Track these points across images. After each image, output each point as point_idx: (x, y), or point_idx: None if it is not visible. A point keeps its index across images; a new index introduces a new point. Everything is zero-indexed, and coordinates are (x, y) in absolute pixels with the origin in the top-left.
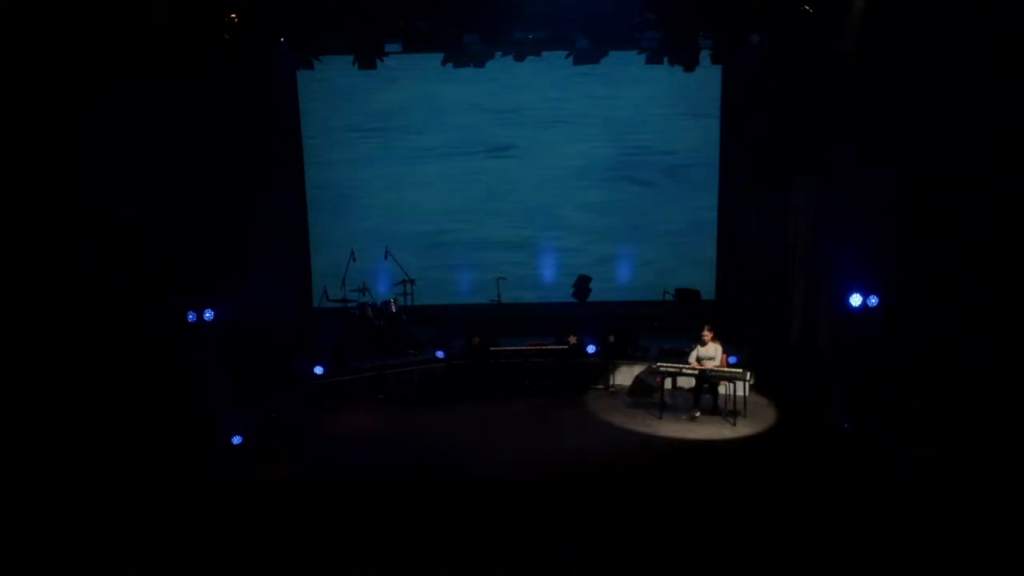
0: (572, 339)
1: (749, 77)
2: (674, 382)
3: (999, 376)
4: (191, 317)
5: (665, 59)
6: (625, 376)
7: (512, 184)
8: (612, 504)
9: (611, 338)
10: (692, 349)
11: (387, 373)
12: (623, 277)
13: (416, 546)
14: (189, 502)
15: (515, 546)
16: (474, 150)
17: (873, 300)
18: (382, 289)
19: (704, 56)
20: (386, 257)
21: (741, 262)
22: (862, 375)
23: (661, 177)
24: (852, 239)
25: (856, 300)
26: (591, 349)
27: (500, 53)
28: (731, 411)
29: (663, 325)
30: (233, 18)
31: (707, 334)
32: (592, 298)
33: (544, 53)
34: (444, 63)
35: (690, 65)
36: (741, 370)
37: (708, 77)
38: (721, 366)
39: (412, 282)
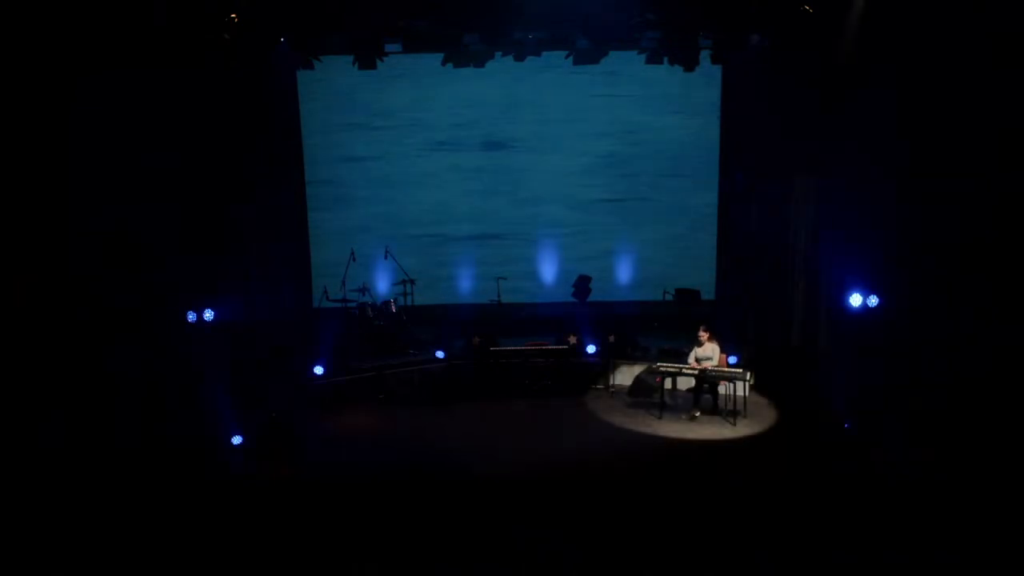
0: (572, 339)
1: (749, 77)
2: (674, 382)
3: (998, 376)
4: (191, 317)
5: (665, 59)
6: (625, 376)
7: (512, 184)
8: (612, 504)
9: (611, 338)
10: (691, 350)
11: (387, 373)
12: (623, 277)
13: (416, 546)
14: (189, 502)
15: (515, 546)
16: (474, 150)
17: (873, 300)
18: (382, 289)
19: (704, 56)
20: (386, 257)
21: (741, 262)
22: (862, 375)
23: (661, 177)
24: (852, 239)
25: (856, 300)
26: (591, 349)
27: (500, 53)
28: (731, 411)
29: (663, 325)
30: (233, 18)
31: (703, 335)
32: (592, 298)
33: (544, 53)
34: (444, 63)
35: (690, 65)
36: (741, 370)
37: (708, 77)
38: (720, 366)
39: (412, 282)
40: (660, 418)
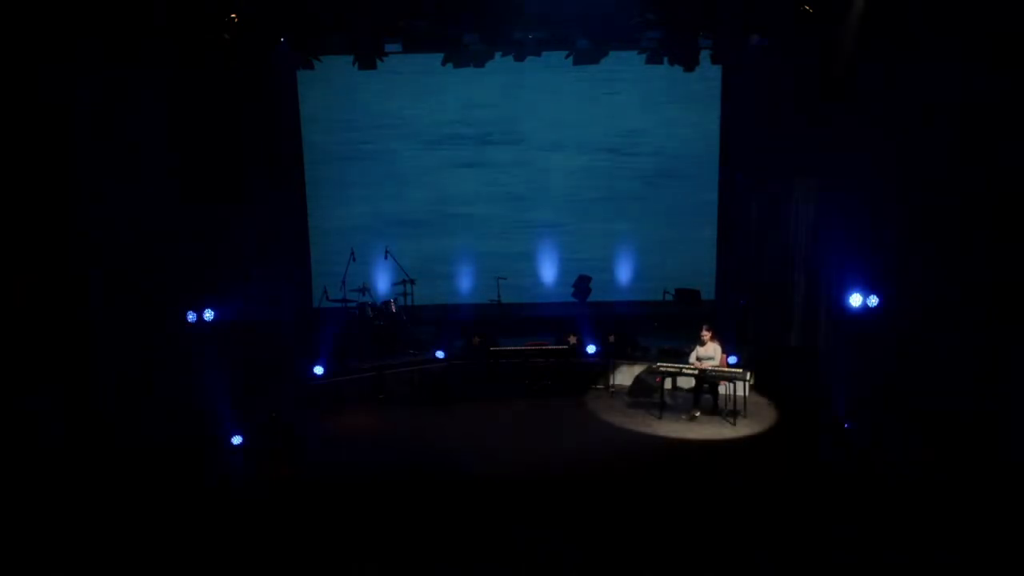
0: (572, 339)
1: (749, 77)
2: (674, 382)
3: (998, 376)
4: (191, 317)
5: (665, 59)
6: (625, 376)
7: (512, 185)
8: (612, 504)
9: (611, 338)
10: (692, 349)
11: (387, 373)
12: (623, 277)
13: (416, 546)
14: (189, 502)
15: (515, 546)
16: (474, 150)
17: (873, 300)
18: (382, 289)
19: (704, 56)
20: (386, 257)
21: (741, 262)
22: (862, 375)
23: (661, 177)
24: (852, 239)
25: (856, 300)
26: (591, 349)
27: (500, 53)
28: (731, 411)
29: (663, 325)
30: (233, 18)
31: (706, 334)
32: (592, 298)
33: (544, 53)
34: (444, 63)
35: (690, 65)
36: (741, 370)
37: (708, 77)
38: (721, 366)
39: (412, 282)
40: (660, 418)
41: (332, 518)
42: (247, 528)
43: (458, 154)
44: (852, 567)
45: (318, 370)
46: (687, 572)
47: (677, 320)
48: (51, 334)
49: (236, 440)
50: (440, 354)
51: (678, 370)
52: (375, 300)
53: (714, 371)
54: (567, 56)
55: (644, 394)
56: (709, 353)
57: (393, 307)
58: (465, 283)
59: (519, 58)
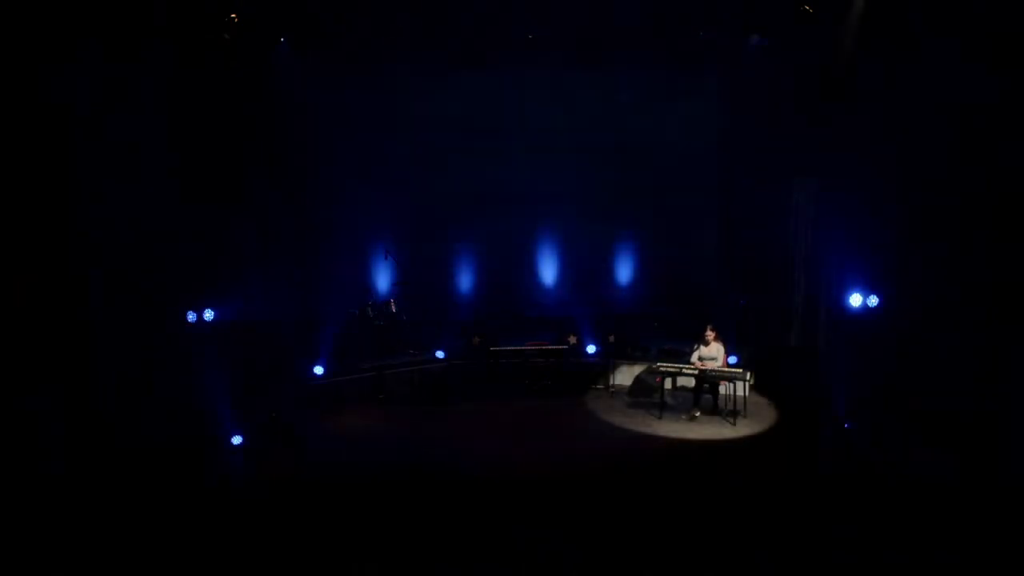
0: (572, 339)
1: (749, 77)
2: (674, 382)
3: (999, 376)
4: (191, 317)
5: (665, 60)
6: (625, 376)
7: (512, 184)
8: (612, 504)
9: (611, 338)
10: (694, 349)
11: (387, 373)
12: (623, 277)
13: (416, 546)
14: (189, 502)
15: (515, 546)
16: (474, 149)
17: (873, 300)
18: (382, 289)
19: (704, 56)
20: (386, 257)
21: (741, 262)
22: (862, 375)
23: (661, 177)
24: (852, 239)
25: (856, 300)
26: (591, 349)
27: (501, 52)
28: (731, 411)
29: (663, 325)
30: (233, 18)
31: (710, 334)
32: (592, 298)
33: (545, 52)
34: (443, 62)
35: (690, 65)
36: (741, 370)
37: (708, 77)
38: (722, 366)
39: (407, 284)
40: (660, 418)
41: (332, 518)
42: (247, 528)
43: (458, 154)
44: (852, 567)
45: (318, 370)
46: (687, 572)
47: (677, 320)
48: (51, 334)
49: (236, 440)
50: (440, 354)
51: (678, 370)
52: (376, 300)
53: (714, 371)
54: (566, 56)
55: (644, 394)
56: (712, 353)
57: (393, 307)
58: (465, 283)
59: (519, 58)
